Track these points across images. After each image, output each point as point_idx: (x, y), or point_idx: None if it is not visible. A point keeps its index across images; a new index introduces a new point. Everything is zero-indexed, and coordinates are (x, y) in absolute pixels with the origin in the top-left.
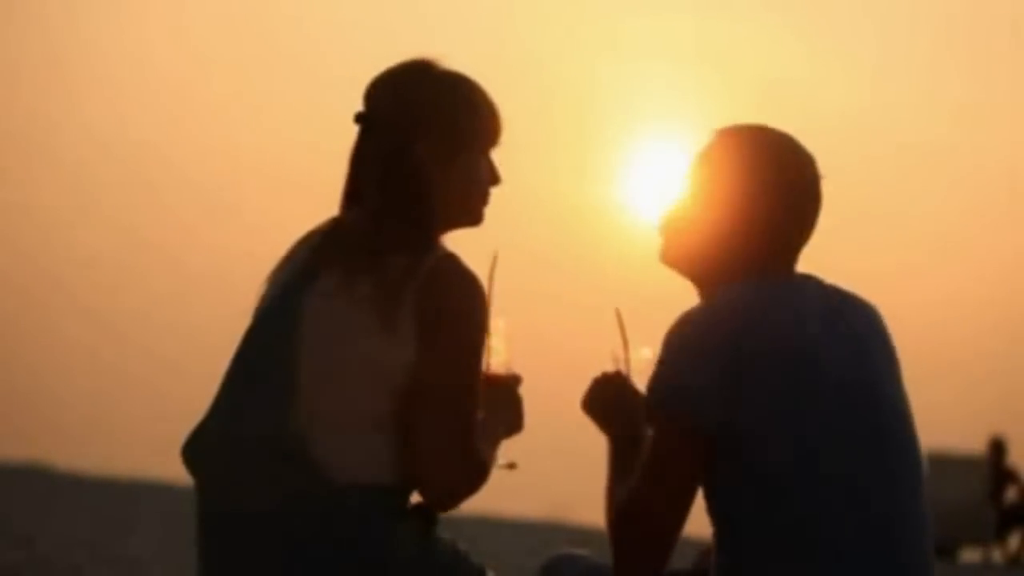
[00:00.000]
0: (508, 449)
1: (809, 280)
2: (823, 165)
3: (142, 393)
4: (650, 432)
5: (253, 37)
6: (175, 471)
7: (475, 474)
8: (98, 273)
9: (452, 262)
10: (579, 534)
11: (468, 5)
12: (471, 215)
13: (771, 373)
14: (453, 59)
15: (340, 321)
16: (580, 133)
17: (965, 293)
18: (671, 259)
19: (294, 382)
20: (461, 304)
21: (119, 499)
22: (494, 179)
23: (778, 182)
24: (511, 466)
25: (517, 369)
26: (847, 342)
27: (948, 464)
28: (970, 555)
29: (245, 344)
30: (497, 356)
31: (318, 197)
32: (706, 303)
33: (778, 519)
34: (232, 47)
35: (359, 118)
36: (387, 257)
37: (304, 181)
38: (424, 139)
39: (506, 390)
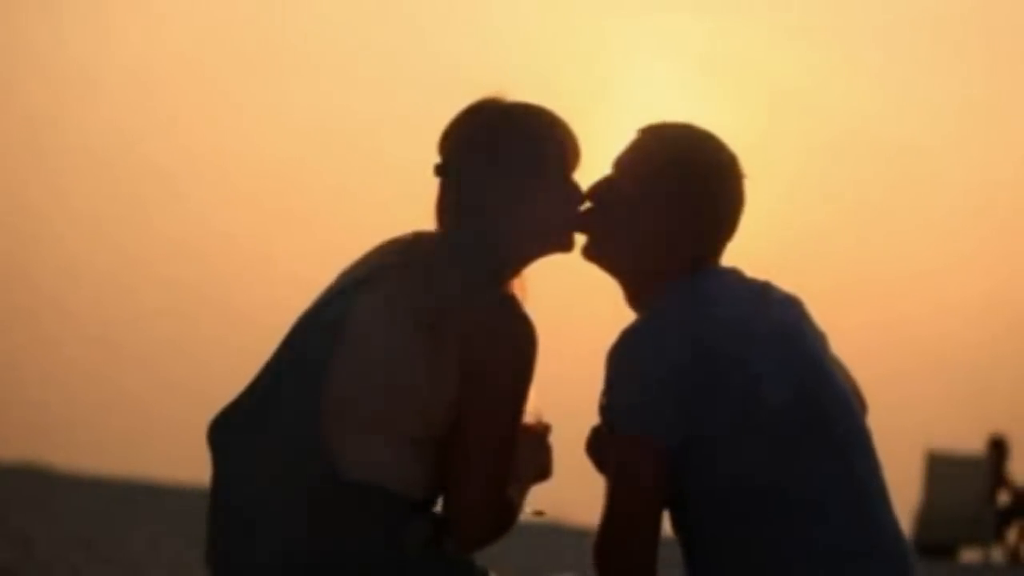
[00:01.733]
0: (535, 495)
1: (732, 273)
2: (826, 167)
3: (141, 393)
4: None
5: (245, 45)
6: (174, 471)
7: (504, 523)
8: (91, 279)
9: (506, 307)
10: (579, 534)
11: (468, 9)
12: (559, 242)
13: (725, 379)
14: (451, 62)
15: (380, 336)
16: (592, 136)
17: (965, 294)
18: (591, 255)
19: (323, 379)
20: (506, 353)
21: (118, 499)
22: (581, 200)
23: (673, 181)
24: (539, 513)
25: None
26: (782, 333)
27: (948, 464)
28: (970, 555)
29: (291, 333)
30: (528, 404)
31: (309, 207)
32: (641, 319)
33: (750, 528)
34: (224, 57)
35: (436, 170)
36: (439, 287)
37: (294, 192)
38: (499, 178)
39: (536, 438)
